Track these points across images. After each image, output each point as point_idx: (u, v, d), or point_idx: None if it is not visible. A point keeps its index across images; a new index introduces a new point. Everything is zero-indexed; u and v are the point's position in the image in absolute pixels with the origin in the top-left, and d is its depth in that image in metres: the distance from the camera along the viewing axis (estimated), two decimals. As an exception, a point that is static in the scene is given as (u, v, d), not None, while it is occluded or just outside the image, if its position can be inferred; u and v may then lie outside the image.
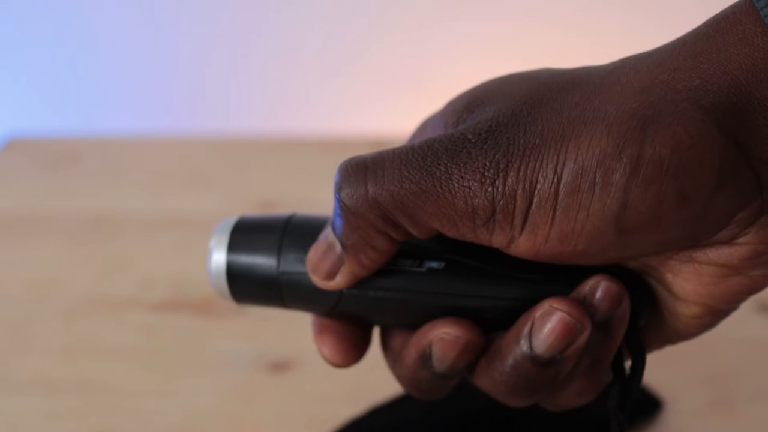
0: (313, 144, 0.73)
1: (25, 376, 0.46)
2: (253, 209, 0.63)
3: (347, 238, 0.25)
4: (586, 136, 0.22)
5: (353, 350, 0.28)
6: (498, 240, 0.23)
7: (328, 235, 0.26)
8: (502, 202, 0.22)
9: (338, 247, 0.25)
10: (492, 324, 0.26)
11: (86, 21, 0.82)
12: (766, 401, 0.42)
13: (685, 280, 0.24)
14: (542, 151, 0.22)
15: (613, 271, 0.25)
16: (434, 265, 0.25)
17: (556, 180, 0.22)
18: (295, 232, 0.27)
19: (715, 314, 0.25)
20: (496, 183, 0.22)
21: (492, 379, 0.25)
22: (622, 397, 0.26)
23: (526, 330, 0.24)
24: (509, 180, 0.22)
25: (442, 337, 0.25)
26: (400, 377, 0.27)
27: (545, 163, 0.22)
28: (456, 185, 0.23)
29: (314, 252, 0.26)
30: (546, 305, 0.24)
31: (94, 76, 0.86)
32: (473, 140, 0.23)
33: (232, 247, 0.27)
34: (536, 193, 0.22)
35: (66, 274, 0.55)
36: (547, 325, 0.23)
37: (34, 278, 0.55)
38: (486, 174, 0.22)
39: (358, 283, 0.26)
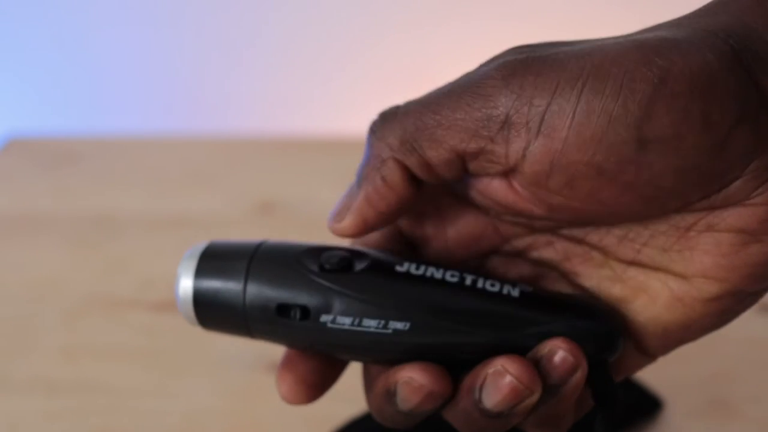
0: (313, 144, 0.73)
1: (25, 376, 0.46)
2: (253, 209, 0.63)
3: (364, 168, 0.25)
4: (615, 50, 0.22)
5: (310, 392, 0.28)
6: (514, 148, 0.23)
7: (352, 182, 0.26)
8: (516, 103, 0.22)
9: (355, 184, 0.26)
10: (458, 366, 0.26)
11: (86, 21, 0.82)
12: (766, 401, 0.42)
13: (705, 253, 0.24)
14: (565, 61, 0.22)
15: (584, 307, 0.25)
16: (399, 326, 0.25)
17: (580, 83, 0.21)
18: (264, 259, 0.26)
19: (733, 296, 0.24)
20: (511, 84, 0.22)
21: (450, 417, 0.26)
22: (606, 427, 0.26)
23: (478, 383, 0.24)
24: (526, 83, 0.22)
25: (407, 381, 0.25)
26: (370, 404, 0.27)
27: (570, 67, 0.22)
28: (472, 94, 0.23)
29: (337, 202, 0.26)
30: (498, 365, 0.24)
31: (94, 76, 0.86)
32: (490, 61, 0.24)
33: (200, 272, 0.27)
34: (556, 95, 0.22)
35: (66, 274, 0.55)
36: (496, 384, 0.23)
37: (34, 278, 0.55)
38: (501, 78, 0.22)
39: (324, 340, 0.26)
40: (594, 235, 0.26)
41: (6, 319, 0.51)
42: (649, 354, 0.27)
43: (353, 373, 0.37)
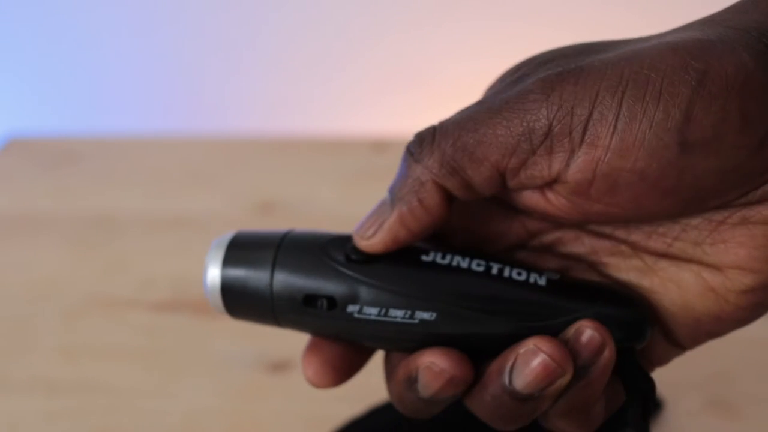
0: (313, 144, 0.73)
1: (25, 376, 0.46)
2: (253, 209, 0.63)
3: (400, 191, 0.25)
4: (650, 55, 0.22)
5: (336, 375, 0.28)
6: (557, 160, 0.23)
7: (384, 197, 0.26)
8: (558, 114, 0.22)
9: (388, 201, 0.25)
10: (483, 353, 0.26)
11: (86, 21, 0.82)
12: (766, 401, 0.42)
13: (740, 245, 0.24)
14: (603, 69, 0.22)
15: (612, 295, 0.25)
16: (426, 316, 0.25)
17: (620, 91, 0.22)
18: (290, 248, 0.27)
19: (767, 289, 0.24)
20: (552, 96, 0.22)
21: (474, 407, 0.26)
22: (639, 418, 0.25)
23: (508, 365, 0.24)
24: (566, 93, 0.22)
25: (428, 366, 0.25)
26: (390, 392, 0.27)
27: (608, 76, 0.22)
28: (511, 110, 0.23)
29: (366, 214, 0.26)
30: (530, 343, 0.24)
31: (94, 76, 0.86)
32: (526, 76, 0.24)
33: (227, 261, 0.27)
34: (597, 103, 0.22)
35: (66, 274, 0.55)
36: (528, 363, 0.23)
37: (34, 278, 0.55)
38: (540, 92, 0.23)
39: (351, 330, 0.26)
40: (621, 231, 0.26)
41: (6, 319, 0.51)
42: (679, 345, 0.27)
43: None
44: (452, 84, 0.76)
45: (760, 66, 0.21)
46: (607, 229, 0.26)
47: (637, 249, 0.26)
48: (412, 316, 0.25)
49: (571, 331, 0.24)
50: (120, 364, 0.47)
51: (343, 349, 0.28)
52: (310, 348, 0.28)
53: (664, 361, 0.28)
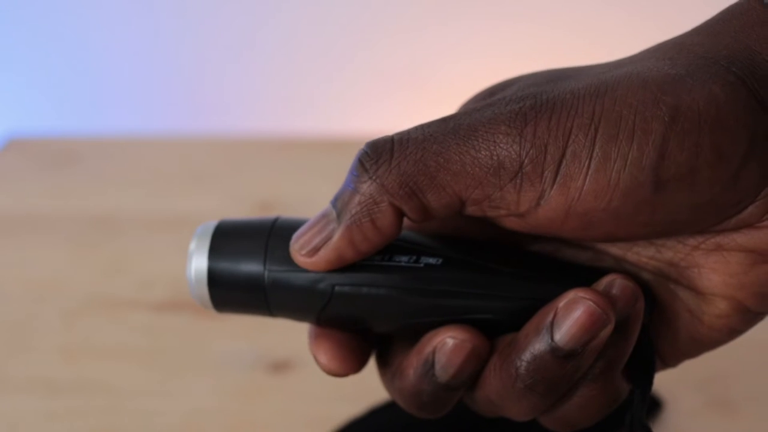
0: (313, 144, 0.73)
1: (25, 376, 0.46)
2: (253, 209, 0.63)
3: (349, 207, 0.23)
4: (622, 89, 0.21)
5: (352, 357, 0.26)
6: (526, 199, 0.22)
7: (325, 210, 0.24)
8: (531, 152, 0.21)
9: (333, 218, 0.24)
10: (494, 327, 0.25)
11: (86, 21, 0.82)
12: (766, 401, 0.42)
13: (713, 271, 0.23)
14: (575, 104, 0.21)
15: (618, 270, 0.25)
16: (432, 260, 0.24)
17: (593, 129, 0.21)
18: (281, 235, 0.25)
19: (741, 313, 0.24)
20: (525, 132, 0.21)
21: (504, 381, 0.24)
22: (642, 400, 0.25)
23: (548, 320, 0.22)
24: (539, 130, 0.21)
25: (447, 342, 0.24)
26: (400, 393, 0.26)
27: (581, 112, 0.21)
28: (480, 140, 0.22)
29: (304, 227, 0.25)
30: (571, 294, 0.22)
31: (94, 76, 0.86)
32: (498, 102, 0.22)
33: (214, 251, 0.25)
34: (570, 142, 0.21)
35: (66, 274, 0.55)
36: (571, 314, 0.22)
37: (34, 278, 0.55)
38: (512, 125, 0.21)
39: (351, 280, 0.24)
40: (602, 245, 0.26)
41: (6, 319, 0.51)
42: (662, 361, 0.27)
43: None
44: (452, 84, 0.76)
45: (730, 98, 0.21)
46: (587, 243, 0.26)
47: (618, 260, 0.26)
48: (417, 261, 0.24)
49: (603, 282, 0.23)
50: (120, 364, 0.47)
51: (347, 334, 0.26)
52: (317, 336, 0.26)
53: None
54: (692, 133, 0.21)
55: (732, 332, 0.25)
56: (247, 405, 0.44)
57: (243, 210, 0.63)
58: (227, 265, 0.25)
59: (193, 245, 0.26)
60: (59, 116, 0.87)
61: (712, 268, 0.23)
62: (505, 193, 0.22)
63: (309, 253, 0.24)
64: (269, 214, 0.67)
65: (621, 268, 0.26)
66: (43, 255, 0.58)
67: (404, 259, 0.24)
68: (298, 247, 0.24)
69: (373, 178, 0.23)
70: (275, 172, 0.69)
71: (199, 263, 0.25)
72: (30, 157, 0.73)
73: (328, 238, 0.24)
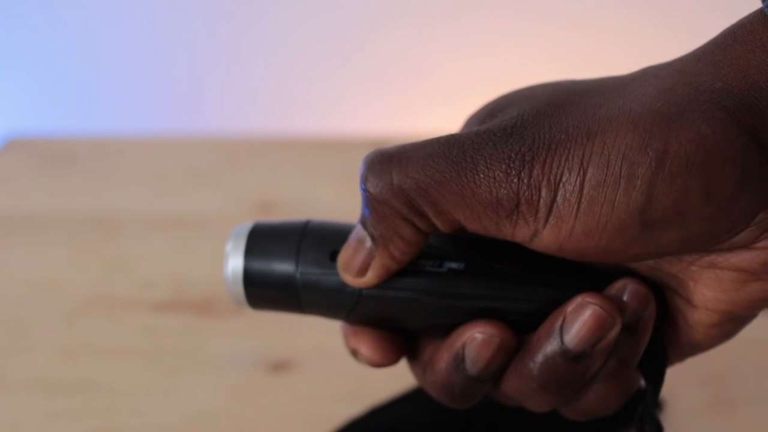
0: (313, 144, 0.73)
1: (25, 376, 0.46)
2: (252, 209, 0.63)
3: (375, 229, 0.25)
4: (612, 132, 0.22)
5: (392, 348, 0.28)
6: (521, 233, 0.23)
7: (358, 231, 0.26)
8: (527, 193, 0.23)
9: (368, 242, 0.26)
10: (517, 327, 0.26)
11: (86, 21, 0.82)
12: (766, 401, 0.42)
13: (706, 287, 0.24)
14: (568, 146, 0.22)
15: (625, 271, 0.26)
16: (454, 265, 0.25)
17: (582, 173, 0.22)
18: (313, 237, 0.27)
19: (734, 321, 0.25)
20: (522, 174, 0.23)
21: (520, 380, 0.25)
22: (653, 396, 0.26)
23: (557, 324, 0.24)
24: (535, 172, 0.22)
25: (476, 337, 0.25)
26: (433, 385, 0.27)
27: (571, 156, 0.22)
28: (481, 175, 0.23)
29: (345, 250, 0.26)
30: (579, 299, 0.24)
31: (94, 76, 0.86)
32: (499, 134, 0.23)
33: (249, 251, 0.27)
34: (561, 185, 0.22)
35: (66, 274, 0.55)
36: (579, 318, 0.24)
37: (34, 278, 0.55)
38: (512, 165, 0.23)
39: (378, 285, 0.26)
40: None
41: (6, 319, 0.51)
42: (668, 359, 0.27)
43: (353, 373, 0.37)
44: (452, 84, 0.76)
45: (720, 136, 0.21)
46: None
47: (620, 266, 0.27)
48: (441, 265, 0.26)
49: (615, 286, 0.25)
50: (120, 364, 0.47)
51: (380, 330, 0.28)
52: (354, 331, 0.28)
53: None
54: (680, 176, 0.21)
55: (724, 337, 0.26)
56: (247, 405, 0.44)
57: (243, 210, 0.63)
58: (261, 266, 0.27)
59: (229, 246, 0.27)
60: (59, 116, 0.87)
61: (706, 284, 0.24)
62: (501, 226, 0.23)
63: (359, 274, 0.26)
64: (269, 214, 0.68)
65: (633, 270, 0.26)
66: (43, 255, 0.58)
67: (429, 263, 0.26)
68: (348, 272, 0.26)
69: (381, 201, 0.24)
70: (275, 172, 0.69)
71: (235, 263, 0.27)
72: (30, 157, 0.73)
73: (372, 258, 0.26)
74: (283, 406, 0.44)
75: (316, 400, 0.43)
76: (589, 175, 0.22)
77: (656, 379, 0.26)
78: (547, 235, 0.23)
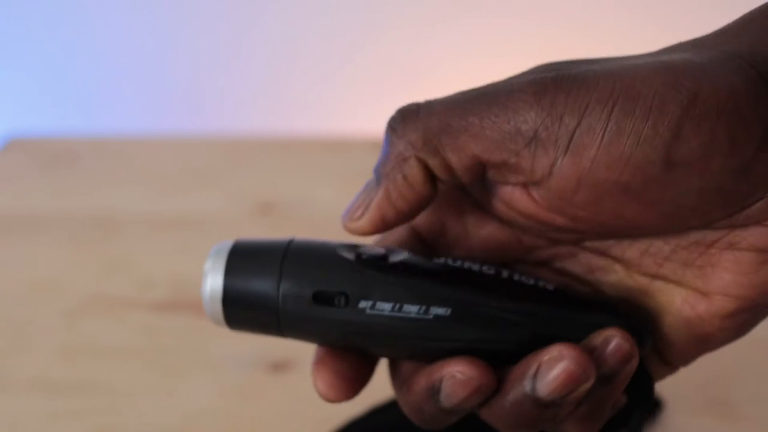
0: (313, 144, 0.73)
1: (25, 376, 0.46)
2: (253, 209, 0.63)
3: (383, 167, 0.25)
4: (644, 72, 0.22)
5: (349, 386, 0.27)
6: (540, 165, 0.23)
7: (369, 179, 0.26)
8: (546, 120, 0.22)
9: (373, 181, 0.25)
10: (501, 361, 0.25)
11: (86, 21, 0.82)
12: (766, 401, 0.42)
13: (725, 270, 0.24)
14: (596, 80, 0.22)
15: (613, 304, 0.26)
16: (441, 311, 0.25)
17: (610, 104, 0.22)
18: (298, 252, 0.26)
19: (750, 311, 0.25)
20: (542, 102, 0.22)
21: (492, 413, 0.25)
22: (638, 423, 0.26)
23: (531, 371, 0.24)
24: (557, 101, 0.22)
25: (455, 375, 0.24)
26: (405, 404, 0.27)
27: (600, 88, 0.22)
28: (500, 105, 0.23)
29: (354, 198, 0.26)
30: (555, 351, 0.23)
31: (94, 76, 0.86)
32: (519, 74, 0.24)
33: (230, 270, 0.26)
34: (586, 114, 0.22)
35: (66, 274, 0.55)
36: (552, 370, 0.23)
37: (34, 278, 0.55)
38: (531, 94, 0.23)
39: (360, 329, 0.25)
40: (616, 248, 0.26)
41: (6, 319, 0.51)
42: (671, 364, 0.27)
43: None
44: (452, 83, 0.76)
45: (750, 92, 0.21)
46: (602, 246, 0.27)
47: (631, 269, 0.26)
48: (426, 312, 0.25)
49: (598, 338, 0.24)
50: (120, 364, 0.47)
51: (351, 358, 0.27)
52: (319, 361, 0.27)
53: (656, 379, 0.28)
54: (708, 120, 0.21)
55: (740, 330, 0.26)
56: (247, 405, 0.44)
57: (243, 210, 0.63)
58: (242, 286, 0.26)
59: (208, 264, 0.27)
60: (59, 116, 0.87)
61: (725, 267, 0.24)
62: (520, 159, 0.23)
63: (355, 219, 0.26)
64: (269, 214, 0.68)
65: (626, 300, 0.26)
66: (43, 255, 0.58)
67: (414, 309, 0.25)
68: (347, 217, 0.26)
69: (400, 135, 0.24)
70: (275, 172, 0.69)
71: (214, 282, 0.26)
72: (30, 157, 0.73)
73: (370, 201, 0.25)
74: (283, 406, 0.44)
75: (316, 400, 0.43)
76: (618, 106, 0.22)
77: (642, 406, 0.26)
78: (566, 164, 0.23)
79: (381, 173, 0.25)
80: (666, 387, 0.42)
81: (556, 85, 0.23)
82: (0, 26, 0.83)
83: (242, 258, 0.26)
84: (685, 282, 0.25)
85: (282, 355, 0.47)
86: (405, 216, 0.25)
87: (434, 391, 0.25)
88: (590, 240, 0.27)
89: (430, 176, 0.25)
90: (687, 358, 0.27)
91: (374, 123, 0.78)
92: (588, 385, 0.23)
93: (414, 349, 0.26)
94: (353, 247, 0.26)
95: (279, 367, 0.46)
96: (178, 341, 0.48)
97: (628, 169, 0.22)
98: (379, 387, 0.42)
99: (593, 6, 0.75)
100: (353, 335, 0.26)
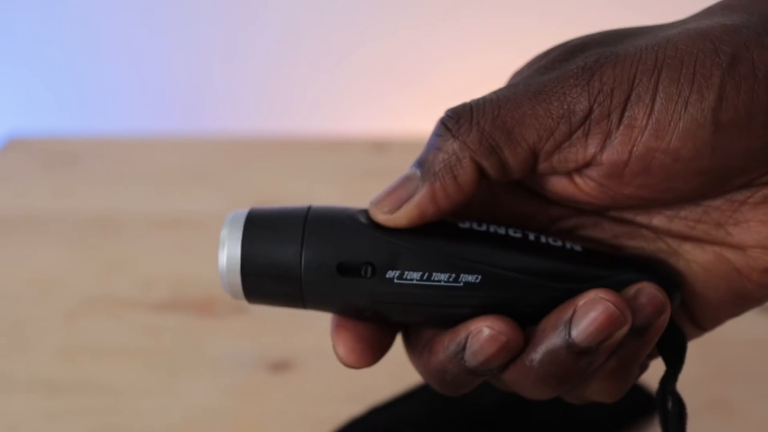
0: (313, 144, 0.73)
1: (26, 376, 0.46)
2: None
3: (433, 164, 0.24)
4: (683, 40, 0.23)
5: (370, 352, 0.26)
6: (594, 141, 0.23)
7: (407, 171, 0.25)
8: (599, 97, 0.23)
9: (417, 177, 0.25)
10: (526, 320, 0.25)
11: (86, 21, 0.82)
12: (766, 401, 0.42)
13: (761, 223, 0.24)
14: (638, 54, 0.23)
15: (643, 261, 0.26)
16: (471, 278, 0.24)
17: (656, 74, 0.23)
18: (318, 224, 0.25)
19: None
20: (592, 81, 0.23)
21: (520, 371, 0.25)
22: (672, 379, 0.26)
23: (566, 317, 0.24)
24: (605, 78, 0.23)
25: (482, 330, 0.24)
26: (426, 367, 0.26)
27: (644, 59, 0.23)
28: (551, 93, 0.24)
29: (386, 188, 0.25)
30: (592, 294, 0.23)
31: (94, 76, 0.86)
32: (562, 64, 0.24)
33: (247, 239, 0.25)
34: (635, 86, 0.23)
35: (66, 274, 0.55)
36: (590, 313, 0.23)
37: (34, 278, 0.55)
38: (580, 77, 0.23)
39: (389, 298, 0.24)
40: (643, 216, 0.26)
41: (6, 319, 0.51)
42: (700, 326, 0.27)
43: (353, 373, 0.37)
44: (452, 83, 0.76)
45: None
46: (628, 215, 0.27)
47: (659, 233, 0.26)
48: (456, 279, 0.24)
49: (632, 290, 0.24)
50: (120, 364, 0.47)
51: (371, 325, 0.26)
52: (339, 326, 0.26)
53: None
54: (748, 79, 0.22)
55: None
56: (247, 405, 0.44)
57: (243, 210, 0.63)
58: (261, 255, 0.25)
59: (225, 232, 0.25)
60: (60, 116, 0.87)
61: (760, 220, 0.24)
62: (574, 140, 0.24)
63: (390, 210, 0.25)
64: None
65: (654, 259, 0.26)
66: (43, 255, 0.58)
67: (443, 277, 0.24)
68: (379, 205, 0.25)
69: (456, 135, 0.24)
70: (275, 172, 0.69)
71: (232, 251, 0.25)
72: (30, 157, 0.73)
73: (411, 196, 0.24)
74: (283, 406, 0.44)
75: (316, 400, 0.43)
76: (663, 75, 0.23)
77: (675, 363, 0.26)
78: (619, 138, 0.23)
79: (429, 171, 0.24)
80: (666, 387, 0.42)
81: (601, 64, 0.23)
82: (0, 26, 0.83)
83: (260, 226, 0.25)
84: (719, 240, 0.25)
85: (282, 355, 0.47)
86: (444, 214, 0.25)
87: (459, 348, 0.25)
88: (618, 211, 0.27)
89: (480, 177, 0.25)
90: (718, 318, 0.27)
91: (374, 123, 0.78)
92: (624, 330, 0.23)
93: (442, 316, 0.25)
94: None
95: (279, 367, 0.46)
96: (178, 341, 0.48)
97: (679, 135, 0.23)
98: (380, 387, 0.42)
99: (593, 6, 0.75)
100: (381, 305, 0.25)
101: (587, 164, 0.24)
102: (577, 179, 0.25)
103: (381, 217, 0.25)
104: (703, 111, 0.22)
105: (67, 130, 0.80)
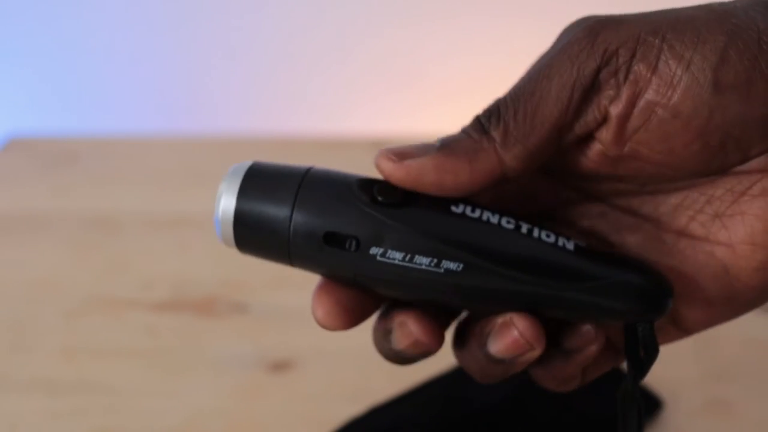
0: (313, 144, 0.73)
1: (26, 376, 0.46)
2: (253, 209, 0.63)
3: (454, 141, 0.25)
4: (688, 11, 0.24)
5: (348, 316, 0.26)
6: (602, 103, 0.24)
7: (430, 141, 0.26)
8: (605, 56, 0.24)
9: (435, 146, 0.25)
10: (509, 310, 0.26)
11: (86, 21, 0.82)
12: (766, 401, 0.42)
13: (756, 218, 0.25)
14: (642, 18, 0.24)
15: (637, 265, 0.26)
16: (452, 266, 0.24)
17: (661, 34, 0.23)
18: (313, 184, 0.26)
19: None
20: (596, 43, 0.24)
21: (463, 358, 0.28)
22: (633, 385, 0.26)
23: (487, 329, 0.26)
24: (610, 38, 0.24)
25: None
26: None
27: (649, 21, 0.24)
28: (561, 64, 0.24)
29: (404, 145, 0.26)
30: (508, 317, 0.25)
31: (94, 76, 0.86)
32: (563, 36, 0.25)
33: (243, 192, 0.26)
34: (640, 43, 0.24)
35: (66, 274, 0.55)
36: (499, 336, 0.25)
37: (34, 278, 0.55)
38: (585, 41, 0.24)
39: (372, 274, 0.25)
40: (650, 205, 0.27)
41: (6, 319, 0.51)
42: (684, 329, 0.27)
43: (353, 373, 0.37)
44: (452, 83, 0.76)
45: None
46: (635, 203, 0.27)
47: (660, 227, 0.27)
48: (438, 265, 0.24)
49: (581, 331, 0.26)
50: (120, 364, 0.47)
51: (355, 291, 0.27)
52: (321, 288, 0.26)
53: (665, 342, 0.28)
54: (751, 48, 0.23)
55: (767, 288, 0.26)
56: (247, 405, 0.44)
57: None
58: (254, 209, 0.26)
59: (223, 184, 0.26)
60: (59, 116, 0.87)
61: (756, 213, 0.25)
62: (584, 104, 0.24)
63: (395, 158, 0.25)
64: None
65: (641, 259, 0.26)
66: (43, 255, 0.58)
67: (425, 261, 0.24)
68: (387, 151, 0.25)
69: (486, 131, 0.25)
70: (275, 172, 0.69)
71: (227, 202, 0.26)
72: (30, 157, 0.73)
73: (421, 155, 0.24)
74: (283, 406, 0.44)
75: (316, 400, 0.43)
76: (668, 34, 0.23)
77: (638, 371, 0.26)
78: (625, 92, 0.24)
79: (446, 144, 0.25)
80: (665, 387, 0.42)
81: (604, 25, 0.24)
82: (1, 27, 0.83)
83: (258, 181, 0.26)
84: (712, 237, 0.26)
85: (282, 355, 0.47)
86: (443, 190, 0.25)
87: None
88: (624, 197, 0.27)
89: (492, 170, 0.25)
90: (708, 321, 0.27)
91: (373, 122, 0.78)
92: (534, 354, 0.25)
93: (422, 297, 0.26)
94: (371, 185, 0.25)
95: (279, 367, 0.46)
96: (178, 341, 0.48)
97: (679, 92, 0.23)
98: (380, 387, 0.42)
99: (593, 6, 0.75)
100: (362, 278, 0.25)
101: (603, 121, 0.25)
102: (586, 149, 0.25)
103: (384, 162, 0.25)
104: (704, 71, 0.23)
105: (67, 130, 0.80)
